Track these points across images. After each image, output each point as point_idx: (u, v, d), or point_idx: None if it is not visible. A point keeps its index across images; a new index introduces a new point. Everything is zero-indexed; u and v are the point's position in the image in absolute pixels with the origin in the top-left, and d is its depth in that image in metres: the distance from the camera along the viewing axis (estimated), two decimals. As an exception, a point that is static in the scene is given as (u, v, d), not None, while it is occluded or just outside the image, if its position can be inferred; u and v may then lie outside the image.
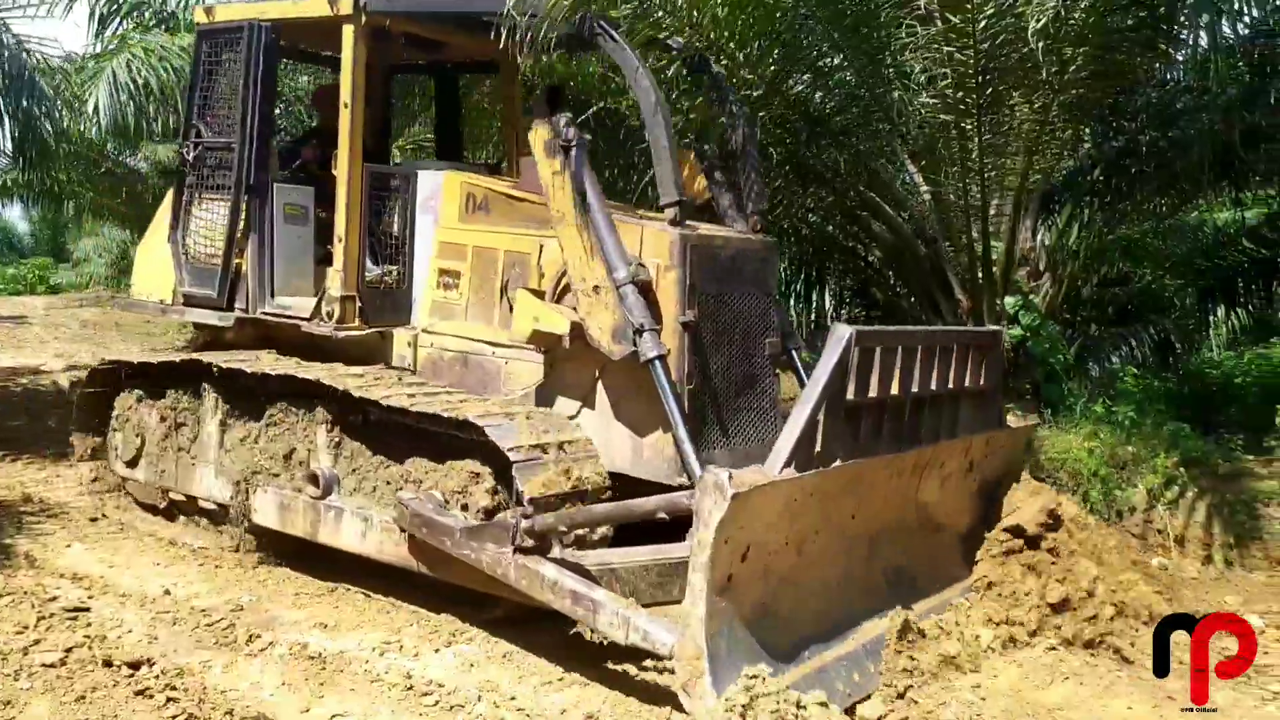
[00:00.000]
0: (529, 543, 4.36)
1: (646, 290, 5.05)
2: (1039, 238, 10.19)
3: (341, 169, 5.95)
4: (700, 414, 5.18)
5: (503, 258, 5.74)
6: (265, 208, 6.31)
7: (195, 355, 6.23)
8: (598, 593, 4.14)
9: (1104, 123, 10.30)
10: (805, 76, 8.54)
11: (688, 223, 5.26)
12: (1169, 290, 11.39)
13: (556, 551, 4.44)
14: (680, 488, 5.11)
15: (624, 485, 5.11)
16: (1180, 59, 9.71)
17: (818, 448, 4.12)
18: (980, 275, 8.71)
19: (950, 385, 5.07)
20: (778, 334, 5.71)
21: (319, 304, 6.02)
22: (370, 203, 6.12)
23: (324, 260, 6.57)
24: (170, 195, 6.79)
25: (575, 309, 5.22)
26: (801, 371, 6.04)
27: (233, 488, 5.87)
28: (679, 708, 3.87)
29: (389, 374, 5.84)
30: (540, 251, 5.58)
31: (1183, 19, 8.46)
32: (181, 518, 6.51)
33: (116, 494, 6.89)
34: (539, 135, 5.28)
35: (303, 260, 6.52)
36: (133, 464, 6.59)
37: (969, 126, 8.06)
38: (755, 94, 7.96)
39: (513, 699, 4.30)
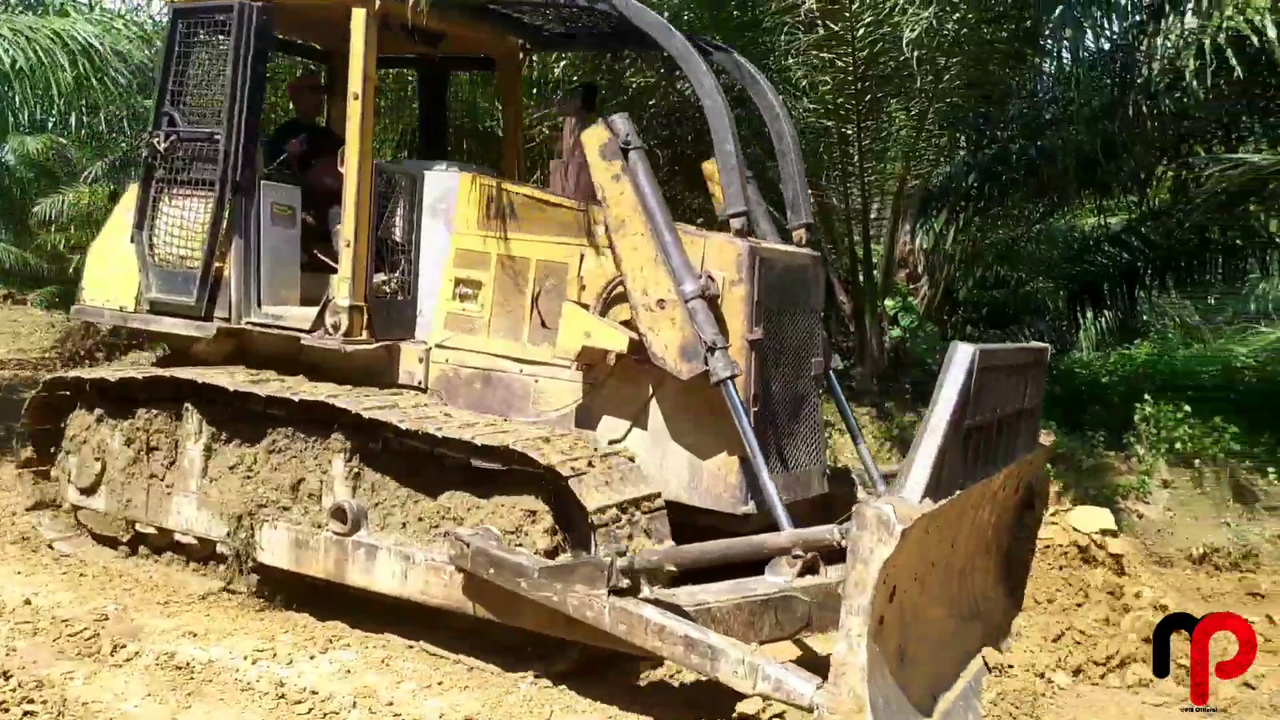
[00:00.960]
0: (624, 583, 3.96)
1: (714, 305, 4.72)
2: (918, 241, 10.62)
3: (350, 166, 5.42)
4: (760, 438, 4.88)
5: (534, 268, 5.31)
6: (252, 207, 5.71)
7: (177, 371, 5.56)
8: (714, 638, 3.77)
9: (978, 131, 10.67)
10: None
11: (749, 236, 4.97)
12: (1041, 293, 11.80)
13: (646, 591, 4.06)
14: (745, 517, 4.86)
15: (677, 513, 4.78)
16: (1048, 71, 10.30)
17: (944, 474, 3.88)
18: (861, 278, 9.11)
19: (1024, 403, 4.92)
20: (821, 353, 5.47)
21: (321, 314, 5.46)
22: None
23: (310, 266, 6.03)
24: (133, 191, 6.08)
25: (627, 324, 4.88)
26: (839, 392, 5.83)
27: (229, 522, 5.23)
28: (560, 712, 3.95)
29: (410, 396, 5.34)
30: (580, 261, 5.18)
31: (1047, 33, 8.95)
32: (152, 553, 5.81)
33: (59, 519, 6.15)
34: (595, 137, 4.90)
35: (290, 266, 5.94)
36: (89, 491, 5.85)
37: (849, 132, 8.37)
38: (645, 94, 8.22)
39: (389, 704, 4.22)
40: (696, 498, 4.89)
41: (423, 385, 5.55)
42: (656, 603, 4.01)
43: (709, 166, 5.54)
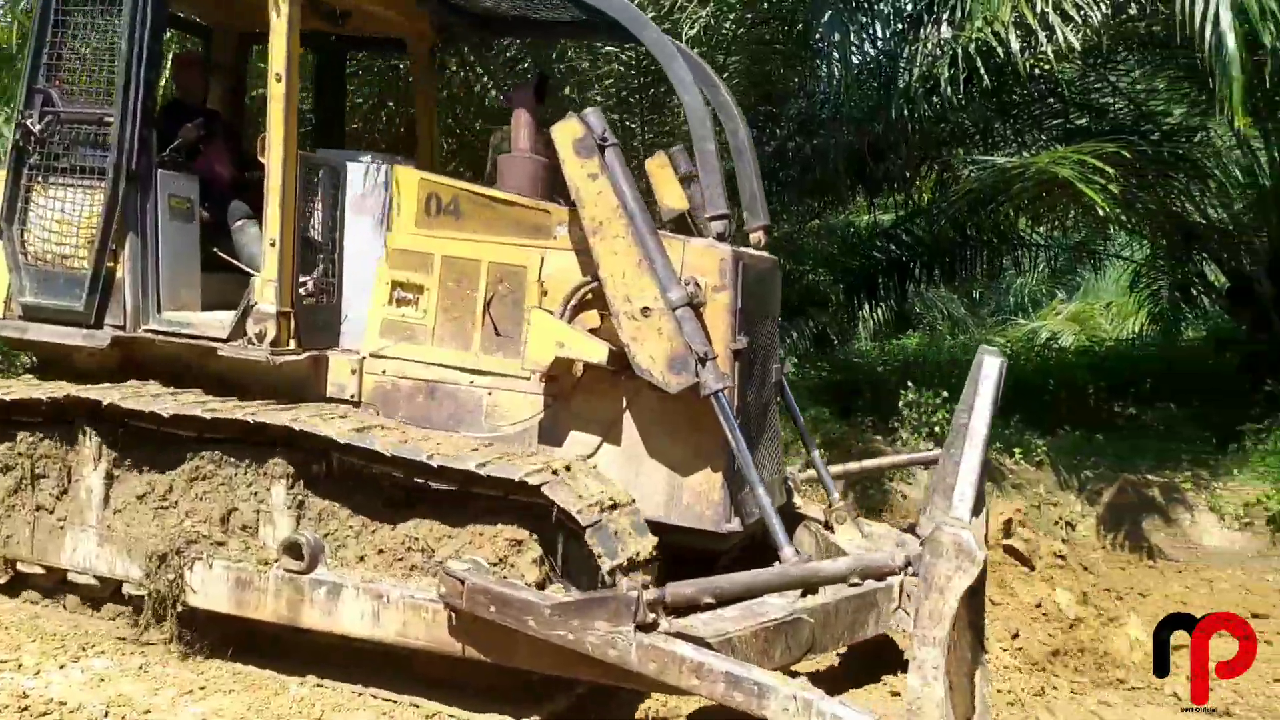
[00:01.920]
0: (649, 618, 3.66)
1: (698, 313, 4.46)
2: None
3: (274, 156, 4.83)
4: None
5: (487, 271, 4.89)
6: (148, 200, 5.04)
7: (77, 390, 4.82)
8: (759, 673, 3.51)
9: (760, 128, 10.85)
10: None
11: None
12: (824, 285, 12.26)
13: (665, 624, 3.77)
14: (725, 535, 4.64)
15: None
16: (822, 73, 10.70)
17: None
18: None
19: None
20: (777, 359, 5.31)
21: (241, 321, 4.86)
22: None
23: (208, 266, 5.39)
24: (-3, 178, 5.26)
25: (596, 331, 4.58)
26: (790, 397, 5.68)
27: (147, 562, 4.56)
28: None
29: (350, 411, 4.84)
30: (541, 264, 4.81)
31: (818, 35, 9.37)
32: (40, 597, 5.06)
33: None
34: (567, 132, 4.53)
35: (190, 266, 5.29)
36: None
37: (634, 126, 8.54)
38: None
39: (146, 713, 4.08)
40: (677, 516, 4.62)
41: (355, 399, 5.03)
42: (681, 636, 3.74)
43: (652, 164, 5.22)
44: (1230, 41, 6.66)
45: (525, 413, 4.84)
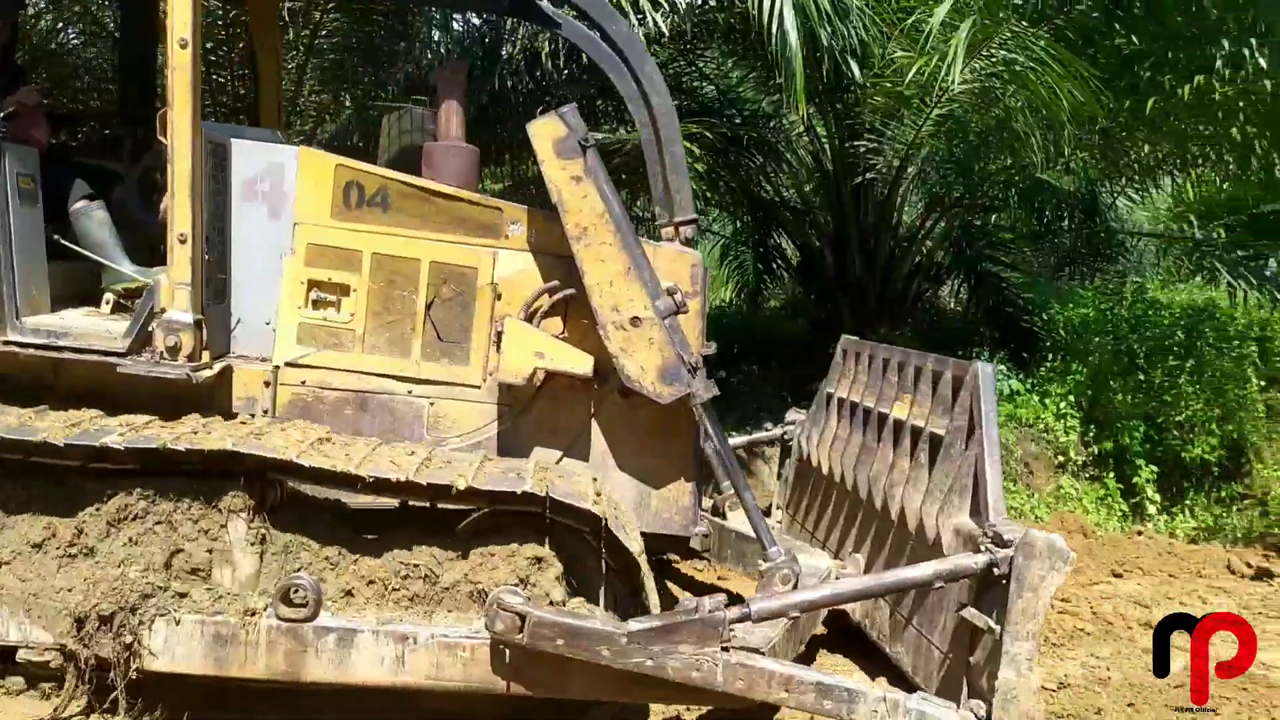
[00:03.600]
0: (731, 637, 3.67)
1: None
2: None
3: (180, 136, 4.09)
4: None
5: (427, 270, 4.50)
6: (-3, 180, 4.09)
7: None
8: (845, 680, 3.66)
9: (366, 93, 10.70)
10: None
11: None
12: None
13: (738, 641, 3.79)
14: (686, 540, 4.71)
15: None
16: (424, 38, 10.60)
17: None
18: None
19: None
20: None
21: (140, 330, 4.11)
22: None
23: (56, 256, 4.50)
24: None
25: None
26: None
27: (74, 624, 3.74)
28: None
29: (292, 426, 4.25)
30: (494, 265, 4.51)
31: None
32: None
33: None
34: (548, 130, 4.27)
35: (38, 260, 4.36)
36: None
37: (223, 79, 8.56)
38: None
39: None
40: (645, 523, 4.58)
41: (267, 412, 4.45)
42: (742, 649, 3.78)
43: None
44: (793, 38, 7.15)
45: (475, 423, 4.55)
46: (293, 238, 4.49)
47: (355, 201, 4.50)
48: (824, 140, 10.61)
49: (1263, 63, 8.13)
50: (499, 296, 4.51)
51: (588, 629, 3.66)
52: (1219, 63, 8.39)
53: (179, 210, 4.11)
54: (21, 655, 3.88)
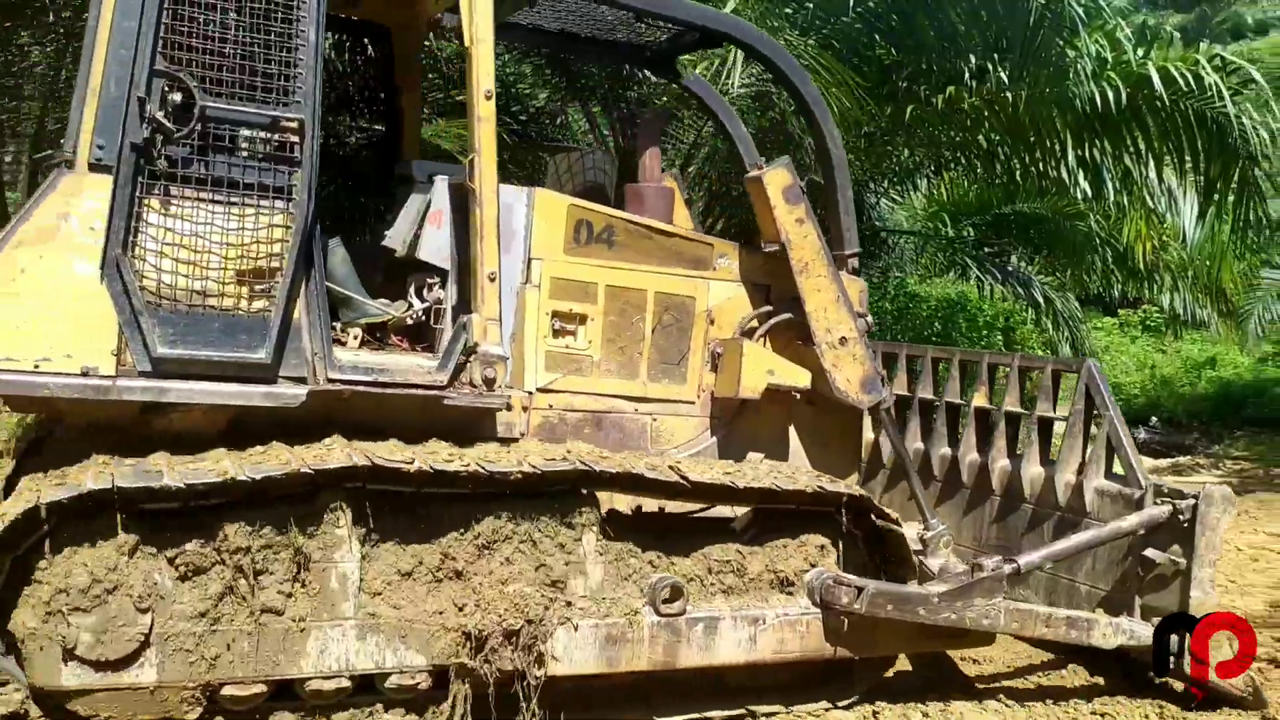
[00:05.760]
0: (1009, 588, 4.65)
1: (861, 339, 5.29)
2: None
3: (486, 181, 4.40)
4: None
5: (653, 300, 5.04)
6: (317, 223, 4.17)
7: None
8: (1086, 614, 4.76)
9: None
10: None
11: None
12: None
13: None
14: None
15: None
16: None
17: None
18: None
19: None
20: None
21: (459, 363, 4.36)
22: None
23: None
24: (70, 189, 3.77)
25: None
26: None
27: (500, 638, 3.99)
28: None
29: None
30: (708, 294, 5.14)
31: None
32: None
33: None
34: (779, 179, 4.98)
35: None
36: (123, 664, 3.64)
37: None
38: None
39: None
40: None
41: (523, 435, 4.79)
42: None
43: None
44: None
45: (690, 435, 5.15)
46: (530, 272, 4.84)
47: (585, 238, 4.94)
48: (608, 139, 10.87)
49: (1004, 76, 9.18)
50: (712, 322, 5.14)
51: (910, 594, 4.50)
52: (966, 74, 9.36)
53: (487, 251, 4.41)
54: (393, 681, 4.05)
